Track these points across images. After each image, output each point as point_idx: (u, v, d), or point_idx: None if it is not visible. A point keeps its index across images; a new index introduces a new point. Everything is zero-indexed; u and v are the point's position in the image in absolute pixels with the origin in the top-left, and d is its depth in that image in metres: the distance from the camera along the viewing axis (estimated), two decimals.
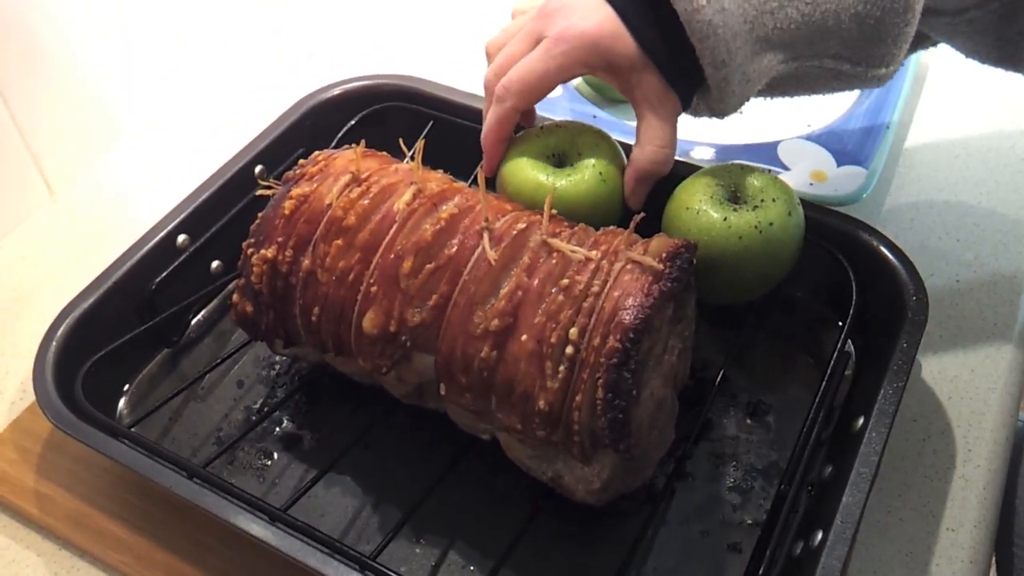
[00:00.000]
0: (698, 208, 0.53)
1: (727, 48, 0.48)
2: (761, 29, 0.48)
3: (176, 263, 0.61)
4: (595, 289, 0.45)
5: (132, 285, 0.59)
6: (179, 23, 0.85)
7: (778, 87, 0.54)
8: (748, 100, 0.53)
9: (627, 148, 0.59)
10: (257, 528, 0.46)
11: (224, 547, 0.52)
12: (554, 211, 0.50)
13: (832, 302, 0.60)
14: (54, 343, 0.55)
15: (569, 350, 0.44)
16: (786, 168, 0.71)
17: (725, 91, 0.50)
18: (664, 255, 0.46)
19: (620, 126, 0.77)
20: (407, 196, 0.50)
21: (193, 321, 0.63)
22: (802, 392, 0.57)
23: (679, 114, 0.53)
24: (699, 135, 0.76)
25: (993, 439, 0.56)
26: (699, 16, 0.47)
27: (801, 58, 0.51)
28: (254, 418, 0.57)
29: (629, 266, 0.46)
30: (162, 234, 0.60)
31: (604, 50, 0.50)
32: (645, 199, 0.55)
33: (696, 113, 0.54)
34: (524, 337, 0.45)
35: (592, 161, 0.56)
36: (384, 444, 0.56)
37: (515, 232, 0.48)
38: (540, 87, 0.52)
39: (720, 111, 0.53)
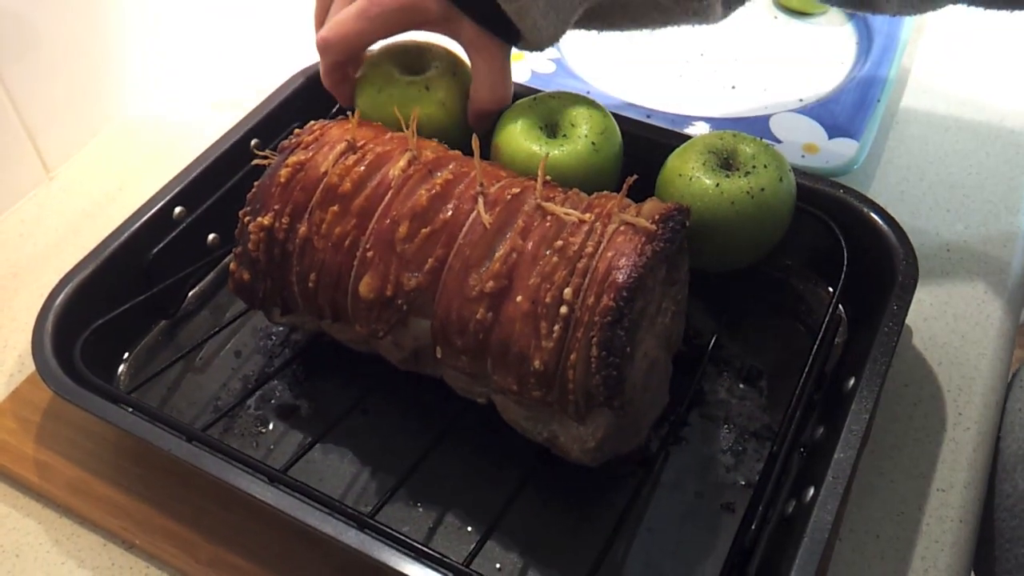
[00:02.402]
0: (691, 175, 0.54)
1: None
2: None
3: (173, 235, 0.61)
4: (589, 250, 0.46)
5: (129, 256, 0.59)
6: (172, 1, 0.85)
7: (601, 18, 0.57)
8: (563, 31, 0.55)
9: (619, 119, 0.60)
10: (257, 489, 0.46)
11: (223, 511, 0.52)
12: (548, 177, 0.51)
13: (823, 269, 0.60)
14: (52, 312, 0.55)
15: (564, 310, 0.45)
16: (778, 141, 0.72)
17: (526, 23, 0.52)
18: (657, 216, 0.46)
19: (613, 99, 0.78)
20: (402, 163, 0.51)
21: (191, 293, 0.64)
22: (794, 357, 0.58)
23: (507, 52, 0.56)
24: (692, 110, 0.76)
25: (983, 403, 0.57)
26: None
27: None
28: (251, 387, 0.58)
29: (622, 227, 0.46)
30: (159, 206, 0.61)
31: (414, 10, 0.53)
32: (490, 125, 0.59)
33: (522, 47, 0.56)
34: (519, 298, 0.46)
35: (585, 131, 0.56)
36: (381, 410, 0.57)
37: (509, 196, 0.48)
38: (359, 44, 0.56)
39: (534, 44, 0.55)
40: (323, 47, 0.56)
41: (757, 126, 0.74)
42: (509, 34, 0.54)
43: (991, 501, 0.60)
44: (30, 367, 0.57)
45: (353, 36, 0.55)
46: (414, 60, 0.61)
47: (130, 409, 0.52)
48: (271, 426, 0.57)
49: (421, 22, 0.54)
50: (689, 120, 0.75)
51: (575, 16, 0.54)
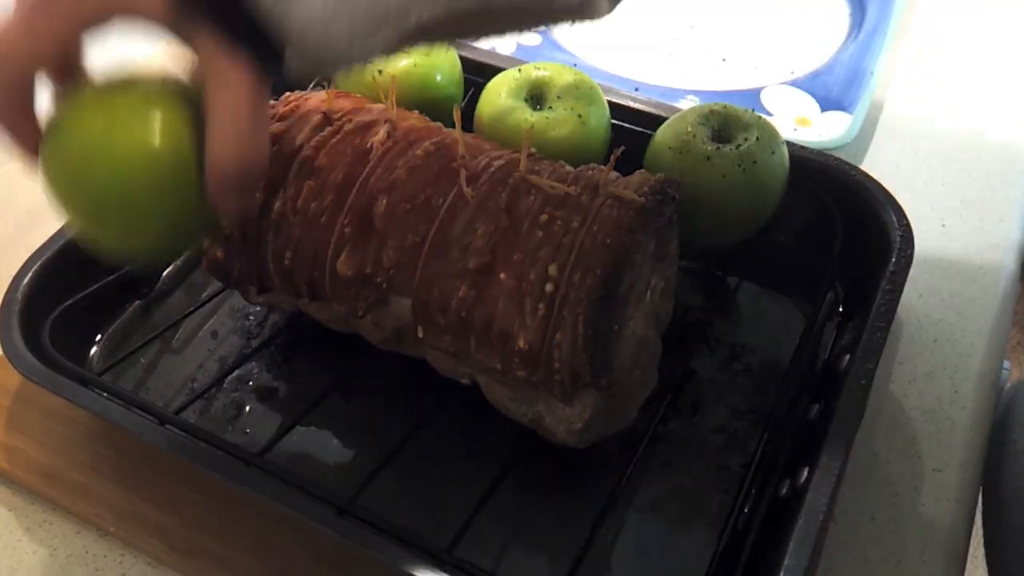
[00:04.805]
0: (680, 147, 0.52)
1: None
2: None
3: None
4: (574, 225, 0.44)
5: None
6: None
7: (449, 30, 0.37)
8: (371, 54, 0.36)
9: (607, 93, 0.58)
10: (232, 474, 0.45)
11: (199, 496, 0.51)
12: (533, 150, 0.49)
13: (817, 245, 0.59)
14: (20, 292, 0.53)
15: (549, 287, 0.43)
16: (769, 114, 0.70)
17: (297, 35, 0.34)
18: (645, 189, 0.45)
19: (601, 72, 0.76)
20: (381, 135, 0.49)
21: (165, 272, 0.62)
22: (786, 335, 0.56)
23: (260, 83, 0.36)
24: (682, 83, 0.75)
25: (980, 381, 0.56)
26: None
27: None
28: (228, 368, 0.56)
29: (609, 201, 0.45)
30: None
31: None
32: (243, 210, 0.41)
33: (289, 78, 0.36)
34: (503, 275, 0.44)
35: (571, 103, 0.55)
36: (362, 392, 0.55)
37: (493, 169, 0.47)
38: (35, 55, 0.37)
39: (307, 71, 0.36)
40: None
41: (748, 99, 0.72)
42: (263, 50, 0.35)
43: (992, 484, 0.59)
44: None
45: (24, 43, 0.36)
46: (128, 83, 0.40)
47: (103, 392, 0.50)
48: (248, 409, 0.55)
49: (120, 8, 0.36)
50: (679, 94, 0.73)
51: (399, 33, 0.35)
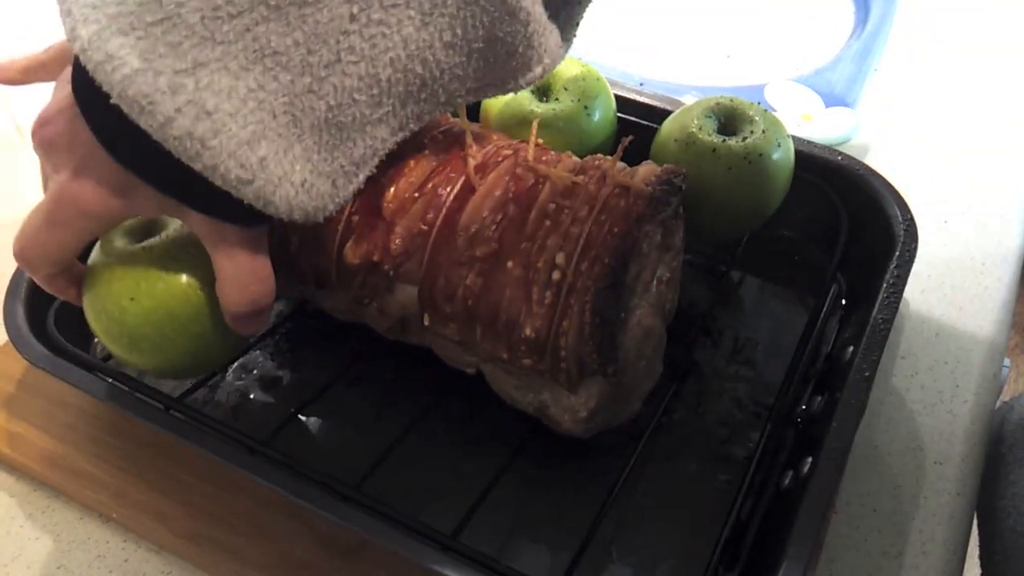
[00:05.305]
0: (687, 139, 0.52)
1: (240, 158, 0.35)
2: (300, 124, 0.36)
3: None
4: (582, 214, 0.44)
5: None
6: None
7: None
8: (348, 192, 0.40)
9: (612, 87, 0.58)
10: (237, 460, 0.45)
11: (202, 483, 0.51)
12: (539, 141, 0.49)
13: (821, 239, 0.59)
14: (25, 280, 0.53)
15: (556, 275, 0.43)
16: (773, 110, 0.71)
17: (277, 203, 0.37)
18: (652, 179, 0.45)
19: (606, 67, 0.76)
20: None
21: None
22: (791, 328, 0.56)
23: (253, 235, 0.41)
24: (687, 79, 0.75)
25: (981, 375, 0.56)
26: (174, 132, 0.33)
27: (406, 125, 0.41)
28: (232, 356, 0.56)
29: (617, 190, 0.45)
30: None
31: (118, 213, 0.39)
32: (260, 326, 0.45)
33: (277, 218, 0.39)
34: (510, 263, 0.44)
35: (577, 95, 0.55)
36: (367, 381, 0.55)
37: (500, 158, 0.47)
38: (63, 256, 0.42)
39: (296, 217, 0.38)
40: (26, 265, 0.42)
41: (753, 96, 0.72)
42: (251, 218, 0.39)
43: (989, 482, 0.59)
44: (2, 336, 0.55)
45: (52, 248, 0.41)
46: (148, 229, 0.47)
47: (108, 378, 0.50)
48: (253, 397, 0.55)
49: (132, 215, 0.40)
50: (684, 89, 0.73)
51: (368, 166, 0.41)
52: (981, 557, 0.59)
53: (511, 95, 0.54)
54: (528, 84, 0.43)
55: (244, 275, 0.41)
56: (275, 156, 0.36)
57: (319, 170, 0.38)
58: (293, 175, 0.37)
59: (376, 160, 0.41)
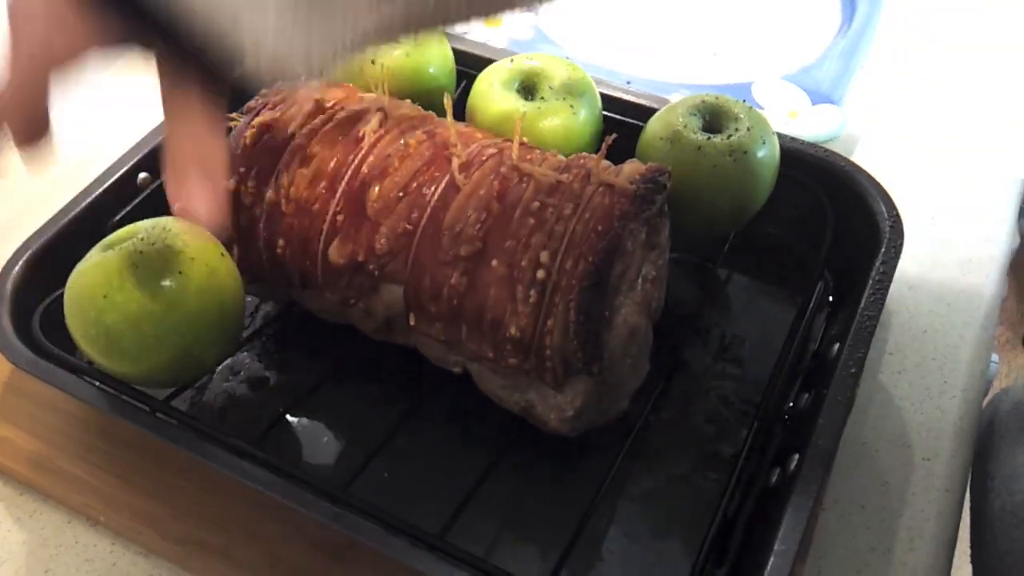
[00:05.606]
0: (671, 137, 0.52)
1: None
2: None
3: (136, 201, 0.59)
4: (566, 212, 0.44)
5: (91, 223, 0.56)
6: None
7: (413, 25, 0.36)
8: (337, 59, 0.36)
9: (599, 86, 0.58)
10: (225, 462, 0.45)
11: (190, 485, 0.51)
12: (524, 139, 0.49)
13: (807, 235, 0.59)
14: (10, 281, 0.53)
15: (540, 274, 0.43)
16: (760, 108, 0.71)
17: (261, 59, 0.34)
18: (637, 177, 0.45)
19: (592, 66, 0.76)
20: (373, 123, 0.49)
21: None
22: (777, 324, 0.56)
23: (215, 103, 0.38)
24: (673, 77, 0.75)
25: (969, 371, 0.56)
26: None
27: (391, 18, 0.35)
28: None
29: (601, 189, 0.45)
30: (122, 171, 0.58)
31: (69, 23, 0.37)
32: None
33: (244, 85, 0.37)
34: (494, 263, 0.44)
35: (563, 93, 0.55)
36: (354, 382, 0.55)
37: (485, 157, 0.47)
38: (29, 97, 0.39)
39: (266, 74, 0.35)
40: None
41: (740, 93, 0.72)
42: (216, 66, 0.35)
43: (980, 475, 0.59)
44: None
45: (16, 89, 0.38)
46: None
47: (94, 381, 0.50)
48: (240, 398, 0.55)
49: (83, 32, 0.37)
50: (670, 88, 0.73)
51: (358, 34, 0.35)
52: (972, 539, 0.59)
53: (496, 92, 0.54)
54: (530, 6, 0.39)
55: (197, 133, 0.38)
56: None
57: (296, 20, 0.34)
58: (266, 22, 0.34)
59: (353, 43, 0.35)
